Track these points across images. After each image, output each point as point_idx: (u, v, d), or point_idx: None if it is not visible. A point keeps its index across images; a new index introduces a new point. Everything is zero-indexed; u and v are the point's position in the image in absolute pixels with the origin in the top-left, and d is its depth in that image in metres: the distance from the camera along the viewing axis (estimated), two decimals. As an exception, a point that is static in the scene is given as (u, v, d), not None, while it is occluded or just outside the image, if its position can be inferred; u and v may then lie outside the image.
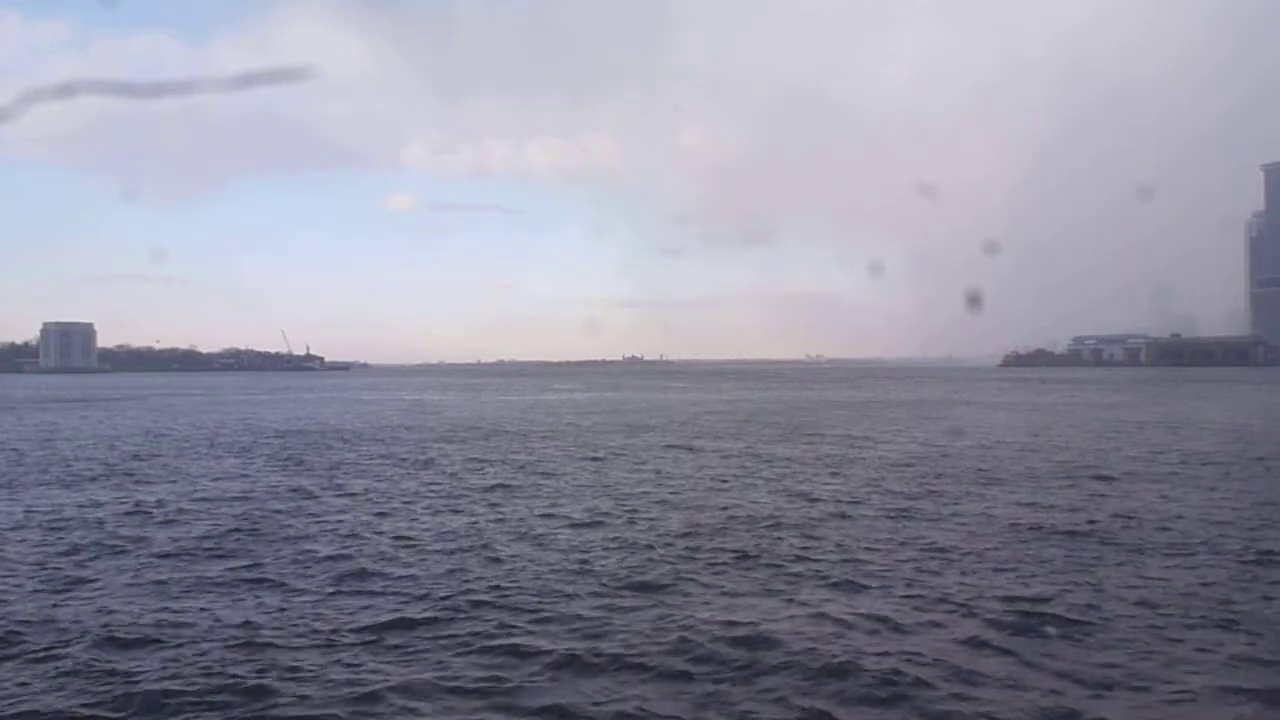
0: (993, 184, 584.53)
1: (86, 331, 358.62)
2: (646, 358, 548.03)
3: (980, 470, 29.25)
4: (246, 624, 12.70)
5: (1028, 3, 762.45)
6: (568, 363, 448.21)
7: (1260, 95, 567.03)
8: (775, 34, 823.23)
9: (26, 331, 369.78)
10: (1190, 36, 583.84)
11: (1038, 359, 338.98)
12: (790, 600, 13.83)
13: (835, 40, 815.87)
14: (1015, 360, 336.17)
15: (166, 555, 17.36)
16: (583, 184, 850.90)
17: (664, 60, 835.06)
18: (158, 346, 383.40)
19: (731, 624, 12.32)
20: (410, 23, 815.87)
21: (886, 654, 11.23)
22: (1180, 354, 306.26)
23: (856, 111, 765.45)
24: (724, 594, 14.15)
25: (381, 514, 22.06)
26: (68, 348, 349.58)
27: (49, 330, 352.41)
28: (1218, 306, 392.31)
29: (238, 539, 18.86)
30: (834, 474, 29.37)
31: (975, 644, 11.61)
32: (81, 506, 23.59)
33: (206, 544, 18.39)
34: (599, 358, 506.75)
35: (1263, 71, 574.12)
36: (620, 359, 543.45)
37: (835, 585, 14.66)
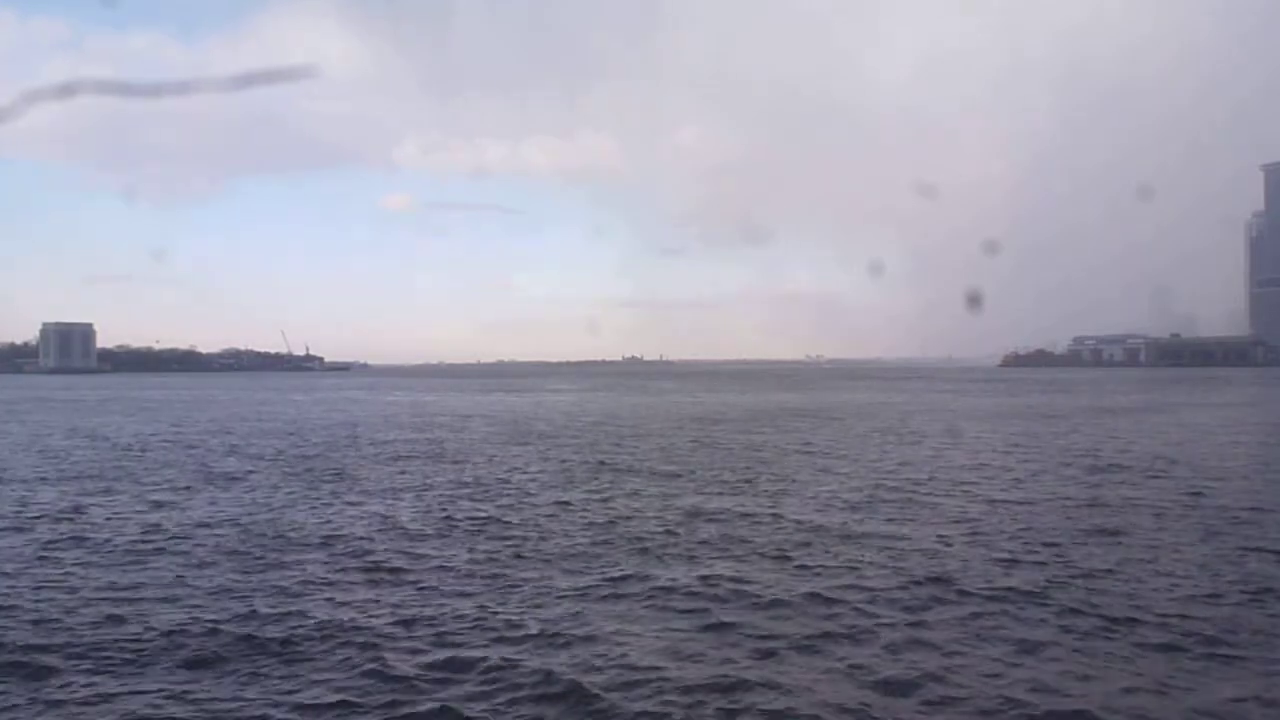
0: (993, 184, 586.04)
1: (86, 332, 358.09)
2: (646, 358, 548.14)
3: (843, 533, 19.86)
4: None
5: (1028, 3, 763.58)
6: (567, 363, 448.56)
7: (1260, 95, 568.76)
8: (775, 33, 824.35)
9: (26, 332, 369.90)
10: (1190, 36, 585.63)
11: (1038, 359, 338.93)
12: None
13: (835, 40, 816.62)
14: (1015, 360, 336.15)
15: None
16: (582, 184, 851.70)
17: (663, 60, 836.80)
18: (157, 347, 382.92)
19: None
20: (408, 22, 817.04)
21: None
22: (1180, 354, 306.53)
23: (856, 111, 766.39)
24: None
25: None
26: (67, 348, 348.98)
27: (48, 330, 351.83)
28: (1218, 306, 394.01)
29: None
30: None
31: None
32: None
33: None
34: (599, 358, 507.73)
35: (1263, 72, 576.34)
36: (620, 359, 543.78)
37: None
